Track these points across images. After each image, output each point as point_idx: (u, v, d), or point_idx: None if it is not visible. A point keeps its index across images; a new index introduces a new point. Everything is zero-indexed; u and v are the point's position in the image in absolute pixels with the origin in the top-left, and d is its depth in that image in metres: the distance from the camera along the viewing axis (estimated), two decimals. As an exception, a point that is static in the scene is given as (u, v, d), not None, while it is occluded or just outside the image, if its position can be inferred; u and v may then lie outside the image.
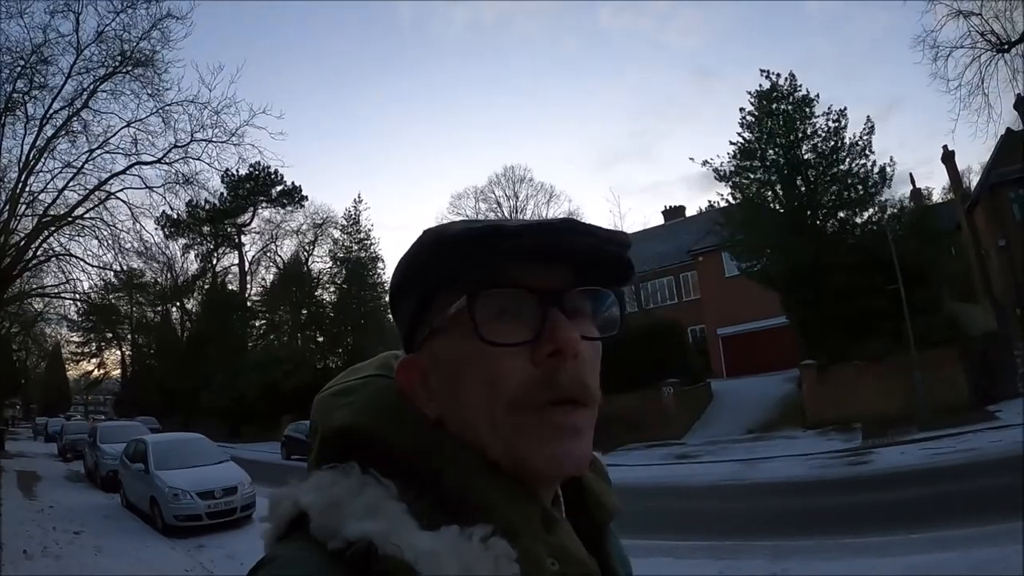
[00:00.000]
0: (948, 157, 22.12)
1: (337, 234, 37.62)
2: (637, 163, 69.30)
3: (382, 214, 79.73)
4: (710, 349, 26.55)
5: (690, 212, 33.55)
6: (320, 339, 36.36)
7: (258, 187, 38.47)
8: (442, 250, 0.51)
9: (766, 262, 17.07)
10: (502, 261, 0.50)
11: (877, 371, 14.76)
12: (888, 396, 14.41)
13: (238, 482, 10.56)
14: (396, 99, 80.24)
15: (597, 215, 39.46)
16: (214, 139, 18.10)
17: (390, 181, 78.09)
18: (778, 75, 17.55)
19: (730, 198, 18.11)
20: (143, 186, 17.96)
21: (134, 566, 7.78)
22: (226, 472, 10.92)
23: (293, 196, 40.04)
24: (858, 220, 16.20)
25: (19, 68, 14.76)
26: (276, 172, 37.67)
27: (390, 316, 0.63)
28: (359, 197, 45.98)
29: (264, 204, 39.81)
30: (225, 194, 35.64)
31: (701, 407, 19.55)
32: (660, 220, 35.48)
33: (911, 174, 47.39)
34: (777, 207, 16.87)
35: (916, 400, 13.52)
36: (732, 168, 17.74)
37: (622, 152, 71.84)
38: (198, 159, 17.97)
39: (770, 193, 17.40)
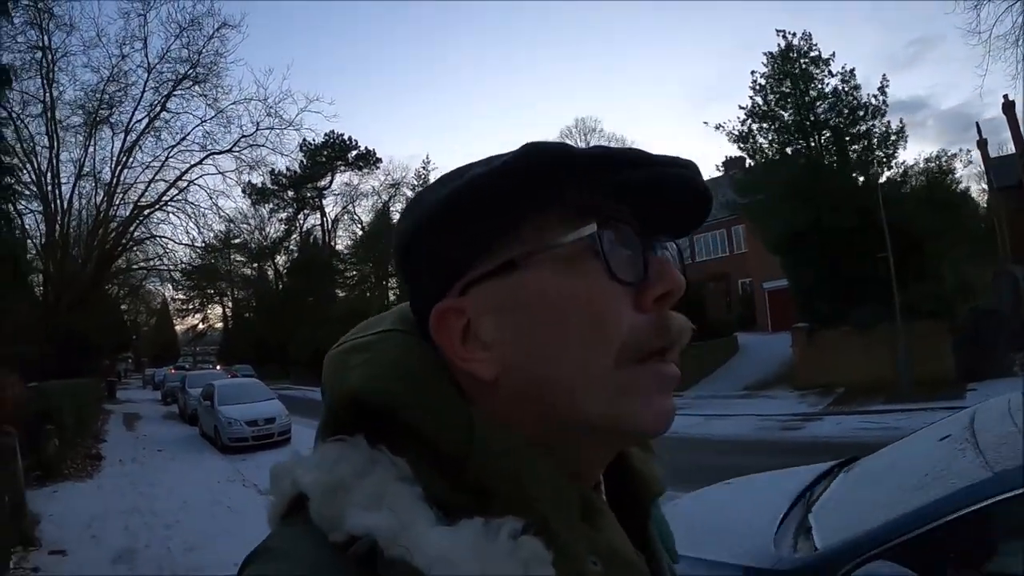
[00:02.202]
0: (1009, 107, 21.64)
1: (410, 193, 42.02)
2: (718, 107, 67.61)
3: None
4: (756, 303, 28.06)
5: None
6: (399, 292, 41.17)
7: (335, 153, 43.44)
8: (564, 169, 0.45)
9: (771, 224, 18.39)
10: (611, 192, 0.46)
11: (864, 338, 15.82)
12: (873, 364, 15.36)
13: (277, 414, 14.56)
14: (460, 58, 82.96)
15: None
16: (275, 127, 22.29)
17: (459, 141, 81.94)
18: (793, 34, 18.42)
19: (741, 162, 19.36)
20: (217, 172, 22.72)
21: (193, 470, 11.67)
22: (269, 407, 14.91)
23: (368, 159, 44.63)
24: (860, 182, 16.96)
25: (103, 86, 19.26)
26: (350, 138, 42.87)
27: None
28: (427, 158, 50.64)
29: (342, 168, 44.65)
30: (305, 161, 40.66)
31: (719, 362, 21.54)
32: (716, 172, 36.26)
33: (978, 123, 43.91)
34: (784, 170, 17.99)
35: (898, 370, 14.48)
36: (743, 131, 18.96)
37: (698, 98, 70.35)
38: (263, 146, 22.37)
39: (778, 156, 18.53)
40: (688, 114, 70.90)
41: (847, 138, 17.76)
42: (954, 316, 15.39)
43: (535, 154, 0.44)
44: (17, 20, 16.23)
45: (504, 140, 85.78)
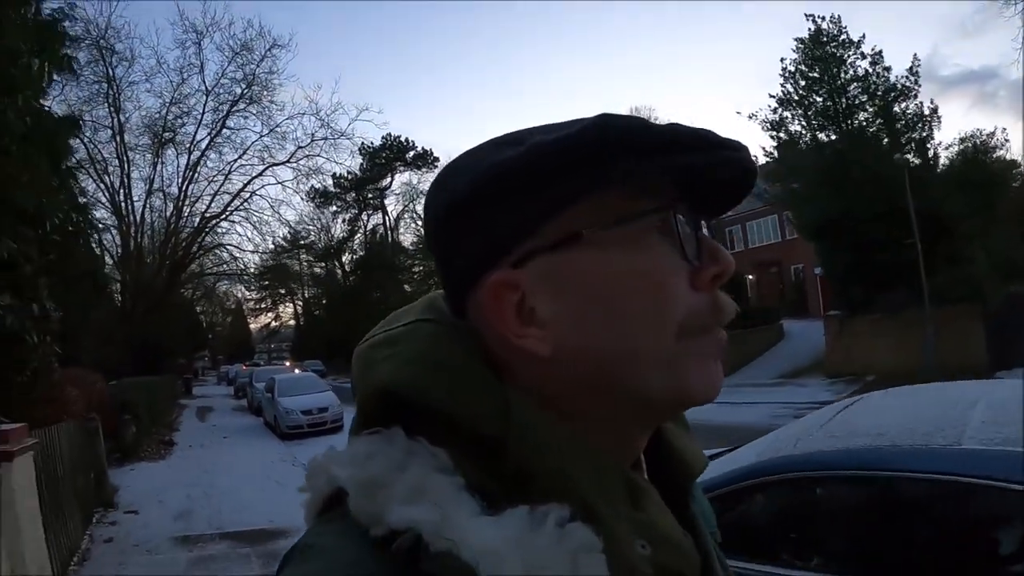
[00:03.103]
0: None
1: None
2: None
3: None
4: (807, 288, 28.23)
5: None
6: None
7: (393, 155, 45.79)
8: (639, 145, 0.44)
9: (804, 212, 18.86)
10: (677, 172, 0.46)
11: (895, 325, 16.13)
12: (903, 351, 15.60)
13: (329, 404, 16.49)
14: (509, 52, 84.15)
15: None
16: (329, 137, 24.43)
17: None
18: (823, 18, 18.80)
19: (774, 151, 19.84)
20: (277, 182, 25.33)
21: (252, 453, 13.54)
22: (323, 398, 16.92)
23: (425, 159, 46.81)
24: (890, 166, 17.20)
25: (166, 110, 21.81)
26: (407, 140, 45.33)
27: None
28: None
29: (400, 168, 47.06)
30: (364, 164, 43.30)
31: (761, 349, 22.08)
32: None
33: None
34: (816, 156, 18.40)
35: (926, 358, 14.63)
36: (775, 120, 19.46)
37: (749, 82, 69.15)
38: (318, 156, 24.90)
39: (810, 143, 18.94)
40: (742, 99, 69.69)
41: (879, 121, 18.01)
42: (987, 301, 15.45)
43: (611, 127, 0.44)
44: (81, 57, 18.89)
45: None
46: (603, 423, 0.49)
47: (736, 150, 0.48)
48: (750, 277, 30.59)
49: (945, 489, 1.98)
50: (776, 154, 19.80)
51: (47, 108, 9.12)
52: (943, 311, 14.78)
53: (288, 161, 25.64)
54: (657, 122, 0.47)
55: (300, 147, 25.79)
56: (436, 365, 0.48)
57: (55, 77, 8.74)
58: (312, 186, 35.71)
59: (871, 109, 18.07)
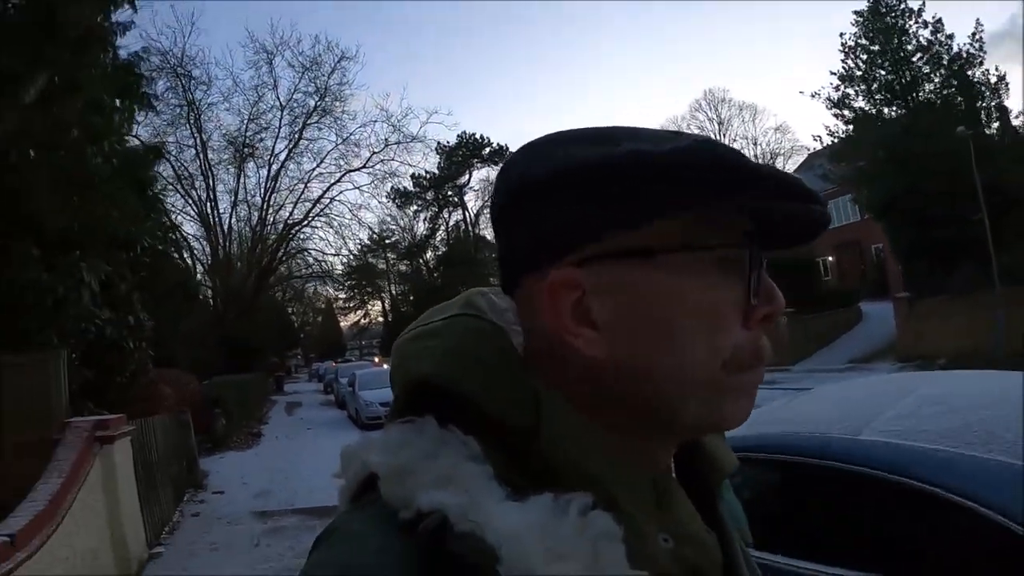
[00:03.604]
0: None
1: None
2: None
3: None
4: (888, 268, 27.44)
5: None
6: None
7: (469, 152, 47.33)
8: (741, 178, 0.45)
9: (870, 191, 18.58)
10: (762, 212, 0.49)
11: (963, 306, 15.75)
12: (973, 333, 15.22)
13: (409, 396, 17.78)
14: (573, 39, 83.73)
15: (801, 131, 40.22)
16: (401, 141, 27.15)
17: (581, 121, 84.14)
18: (882, -10, 18.45)
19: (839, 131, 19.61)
20: (354, 187, 27.40)
21: (333, 443, 14.74)
22: (401, 390, 18.17)
23: (501, 154, 48.34)
24: (955, 139, 16.74)
25: (245, 126, 23.97)
26: (482, 137, 47.18)
27: None
28: None
29: (478, 165, 48.57)
30: (441, 163, 45.30)
31: (837, 333, 21.88)
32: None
33: None
34: (881, 132, 18.10)
35: (996, 339, 14.33)
36: (838, 98, 19.23)
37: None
38: (392, 160, 26.43)
39: (876, 118, 18.63)
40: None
41: (946, 92, 17.53)
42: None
43: (715, 156, 0.45)
44: (161, 85, 21.20)
45: (622, 117, 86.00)
46: (633, 433, 0.50)
47: (822, 204, 0.50)
48: (830, 259, 29.92)
49: (827, 475, 2.05)
50: (841, 133, 19.51)
51: (134, 136, 10.75)
52: (1014, 290, 14.40)
53: (364, 167, 27.47)
54: (753, 159, 0.48)
55: (374, 153, 27.69)
56: (471, 358, 0.50)
57: (137, 113, 10.16)
58: (392, 187, 37.87)
59: (937, 80, 17.55)
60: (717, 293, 0.48)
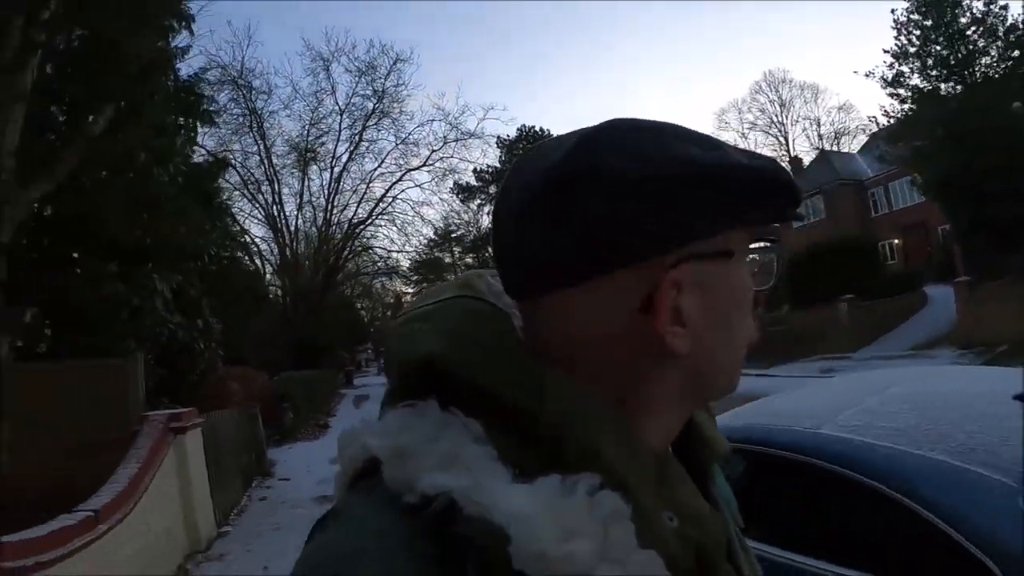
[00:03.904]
0: None
1: None
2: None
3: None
4: (955, 251, 26.31)
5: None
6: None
7: (530, 144, 47.71)
8: (788, 197, 0.52)
9: (927, 170, 17.96)
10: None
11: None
12: None
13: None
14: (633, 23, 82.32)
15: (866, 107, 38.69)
16: (460, 139, 28.16)
17: (639, 109, 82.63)
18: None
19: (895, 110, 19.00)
20: (415, 185, 28.36)
21: None
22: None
23: None
24: (1015, 112, 15.95)
25: (307, 131, 25.00)
26: (542, 129, 47.66)
27: None
28: None
29: None
30: (503, 156, 46.06)
31: (901, 319, 21.44)
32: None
33: None
34: (937, 110, 17.46)
35: None
36: (893, 76, 18.64)
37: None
38: (451, 157, 28.10)
39: (931, 96, 17.98)
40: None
41: (1002, 65, 16.75)
42: None
43: (788, 177, 0.52)
44: (223, 97, 22.44)
45: (680, 106, 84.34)
46: (661, 411, 0.52)
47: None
48: (896, 241, 28.86)
49: (789, 465, 2.15)
50: (896, 113, 18.89)
51: (200, 146, 11.53)
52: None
53: (423, 165, 28.25)
54: (817, 140, 0.64)
55: (433, 151, 28.47)
56: (474, 338, 0.50)
57: (200, 129, 10.93)
58: (454, 183, 38.71)
59: (993, 53, 16.78)
60: (750, 284, 0.54)
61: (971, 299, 16.84)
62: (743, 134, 46.10)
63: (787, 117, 45.19)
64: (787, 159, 41.68)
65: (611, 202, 0.47)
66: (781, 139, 44.41)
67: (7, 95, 5.83)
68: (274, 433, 13.70)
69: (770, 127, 44.89)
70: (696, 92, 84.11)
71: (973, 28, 17.32)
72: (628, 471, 0.47)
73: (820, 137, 43.52)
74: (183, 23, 10.34)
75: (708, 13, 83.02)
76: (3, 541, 3.71)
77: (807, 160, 38.53)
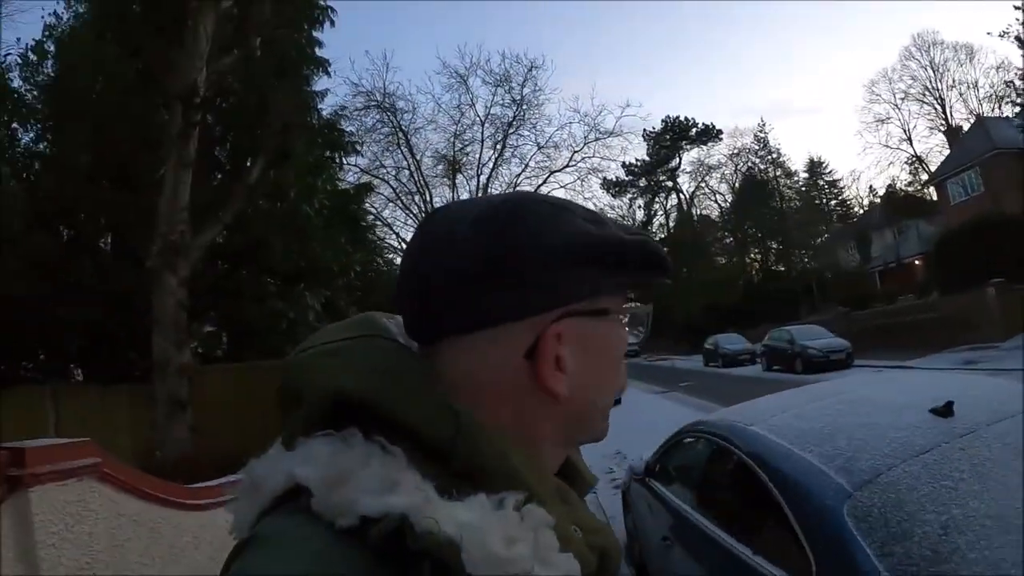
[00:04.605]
0: None
1: (756, 160, 45.56)
2: None
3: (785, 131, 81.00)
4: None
5: None
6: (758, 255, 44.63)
7: (676, 135, 47.45)
8: (657, 264, 0.60)
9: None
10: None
11: None
12: None
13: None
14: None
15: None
16: (600, 138, 29.16)
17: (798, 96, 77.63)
18: None
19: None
20: (560, 186, 29.83)
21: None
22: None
23: (709, 133, 47.93)
24: None
25: (453, 142, 27.25)
26: (687, 118, 47.33)
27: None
28: (762, 121, 52.15)
29: (687, 147, 48.49)
30: (650, 149, 46.45)
31: None
32: None
33: None
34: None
35: None
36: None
37: None
38: (592, 157, 29.23)
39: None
40: None
41: None
42: None
43: (656, 251, 0.60)
44: (369, 120, 25.27)
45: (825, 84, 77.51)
46: (547, 444, 0.58)
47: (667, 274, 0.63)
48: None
49: (720, 449, 2.70)
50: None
51: (354, 165, 13.02)
52: None
53: (566, 167, 29.38)
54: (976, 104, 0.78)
55: (575, 152, 29.46)
56: (390, 375, 0.52)
57: (344, 160, 12.62)
58: (604, 179, 39.51)
59: None
60: (623, 337, 0.62)
61: None
62: (896, 105, 42.25)
63: (942, 82, 40.81)
64: (944, 129, 37.82)
65: (508, 269, 0.53)
66: (937, 107, 40.17)
67: (178, 164, 7.48)
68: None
69: (924, 95, 40.62)
70: (842, 65, 77.93)
71: None
72: (543, 491, 0.53)
73: (980, 102, 38.88)
74: (320, 69, 12.08)
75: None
76: (189, 488, 5.14)
77: (968, 128, 34.58)
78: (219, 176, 10.72)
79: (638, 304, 0.63)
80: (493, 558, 0.44)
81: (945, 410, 2.11)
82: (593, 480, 0.69)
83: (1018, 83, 17.58)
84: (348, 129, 14.59)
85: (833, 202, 50.09)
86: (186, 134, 7.70)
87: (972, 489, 1.73)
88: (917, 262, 31.92)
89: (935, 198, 34.01)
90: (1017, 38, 17.22)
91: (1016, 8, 17.05)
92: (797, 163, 58.17)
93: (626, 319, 0.61)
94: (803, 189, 49.53)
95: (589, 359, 0.57)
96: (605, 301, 0.58)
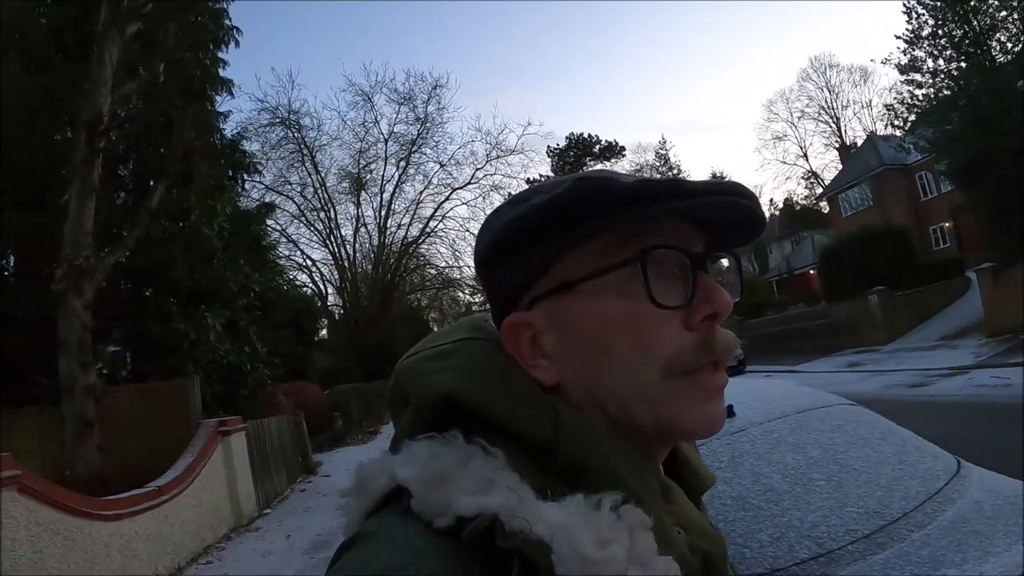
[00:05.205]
0: None
1: (657, 176, 48.42)
2: None
3: (689, 148, 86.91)
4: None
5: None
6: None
7: (580, 151, 49.51)
8: (610, 201, 0.53)
9: (953, 155, 18.17)
10: (656, 219, 0.54)
11: None
12: None
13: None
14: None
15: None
16: (501, 155, 31.20)
17: (693, 111, 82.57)
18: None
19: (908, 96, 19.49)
20: (462, 203, 30.71)
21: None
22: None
23: (612, 150, 50.23)
24: None
25: (358, 159, 27.89)
26: (590, 135, 49.43)
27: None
28: (663, 138, 54.78)
29: (590, 162, 50.71)
30: (554, 164, 48.19)
31: (941, 305, 22.00)
32: None
33: None
34: (958, 91, 17.78)
35: None
36: (907, 62, 19.15)
37: None
38: (494, 174, 29.72)
39: (953, 76, 18.34)
40: None
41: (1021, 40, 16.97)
42: None
43: (581, 188, 0.54)
44: (274, 137, 26.02)
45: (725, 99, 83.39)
46: (643, 441, 0.56)
47: (722, 194, 0.55)
48: (946, 224, 28.69)
49: None
50: (913, 99, 19.37)
51: (259, 182, 13.55)
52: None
53: (468, 184, 30.54)
54: (627, 175, 0.57)
55: (477, 169, 30.69)
56: (492, 377, 0.55)
57: (246, 180, 13.35)
58: (509, 194, 40.99)
59: (1013, 25, 16.98)
60: (635, 306, 0.54)
61: (995, 286, 16.90)
62: (793, 123, 46.16)
63: (837, 102, 44.97)
64: (838, 146, 41.48)
65: (487, 272, 0.61)
66: (832, 126, 44.16)
67: (83, 190, 8.09)
68: (328, 438, 15.99)
69: (820, 114, 44.72)
70: (743, 85, 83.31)
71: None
72: (641, 490, 0.52)
73: (873, 120, 43.05)
74: (224, 89, 12.81)
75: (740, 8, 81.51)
76: (100, 499, 5.89)
77: (859, 145, 38.29)
78: (123, 195, 11.28)
79: (621, 263, 0.54)
80: (584, 559, 0.44)
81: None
82: (711, 478, 0.68)
83: (898, 107, 19.87)
84: (251, 149, 15.36)
85: (736, 215, 53.68)
86: (90, 161, 8.20)
87: (725, 476, 1.96)
88: (812, 272, 34.86)
89: (828, 211, 37.35)
90: (897, 66, 19.47)
91: (897, 37, 19.34)
92: (702, 178, 63.07)
93: (626, 279, 0.54)
94: (706, 204, 53.00)
95: (575, 339, 0.56)
96: (570, 271, 0.56)
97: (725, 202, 0.55)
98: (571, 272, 0.55)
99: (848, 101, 45.83)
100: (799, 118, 47.09)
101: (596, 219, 0.53)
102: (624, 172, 0.62)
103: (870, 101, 45.32)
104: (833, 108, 44.06)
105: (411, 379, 0.57)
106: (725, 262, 0.62)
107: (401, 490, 0.50)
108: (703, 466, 0.67)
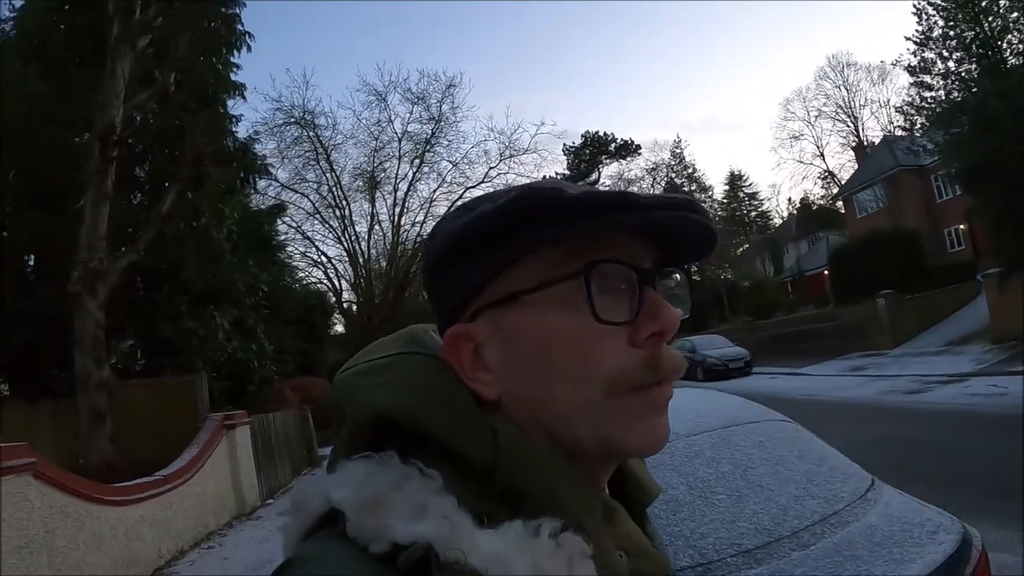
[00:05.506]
0: None
1: (673, 175, 47.90)
2: None
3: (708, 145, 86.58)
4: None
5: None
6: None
7: (596, 149, 49.71)
8: (557, 212, 0.51)
9: (962, 160, 18.18)
10: (604, 232, 0.53)
11: None
12: None
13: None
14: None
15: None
16: (515, 155, 30.78)
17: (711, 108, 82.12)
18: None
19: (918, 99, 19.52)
20: None
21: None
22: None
23: (628, 148, 50.39)
24: None
25: (373, 157, 28.37)
26: (606, 133, 49.74)
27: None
28: (678, 137, 54.60)
29: (606, 161, 50.85)
30: (569, 163, 48.53)
31: (951, 310, 22.04)
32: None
33: None
34: (967, 95, 17.80)
35: None
36: (917, 64, 19.18)
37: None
38: (507, 173, 30.71)
39: (963, 80, 18.37)
40: None
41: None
42: None
43: (527, 198, 0.52)
44: (289, 136, 26.65)
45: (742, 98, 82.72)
46: (587, 460, 0.55)
47: (672, 208, 0.53)
48: (961, 227, 28.55)
49: None
50: (923, 102, 19.41)
51: (274, 179, 14.04)
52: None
53: (481, 183, 30.93)
54: (576, 186, 0.55)
55: (491, 167, 31.06)
56: (430, 393, 0.53)
57: (257, 182, 13.88)
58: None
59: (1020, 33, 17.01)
60: (579, 321, 0.52)
61: (1001, 292, 16.86)
62: (809, 123, 45.99)
63: (855, 102, 44.73)
64: (855, 145, 41.27)
65: (433, 280, 0.59)
66: (849, 124, 43.93)
67: (97, 197, 8.62)
68: (334, 432, 16.42)
69: (837, 113, 44.51)
70: (761, 84, 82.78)
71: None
72: (582, 513, 0.51)
73: (890, 120, 42.82)
74: (236, 93, 13.30)
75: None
76: (109, 486, 6.42)
77: (875, 145, 38.08)
78: (138, 195, 11.85)
79: (566, 276, 0.52)
80: None
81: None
82: (656, 490, 0.67)
83: (907, 110, 19.91)
84: (267, 148, 15.86)
85: (753, 213, 54.09)
86: (103, 170, 8.74)
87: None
88: (825, 272, 34.83)
89: (844, 211, 37.22)
90: (907, 67, 19.51)
91: (907, 39, 19.35)
92: (720, 176, 62.36)
93: (570, 292, 0.52)
94: (724, 201, 53.09)
95: (516, 351, 0.54)
96: (513, 283, 0.54)
97: (675, 217, 0.54)
98: (517, 283, 0.54)
99: (866, 100, 45.66)
100: (816, 117, 46.77)
101: (541, 230, 0.52)
102: (582, 183, 0.64)
103: (888, 100, 44.97)
104: (851, 107, 43.91)
105: (345, 395, 0.56)
106: (677, 277, 0.61)
107: (337, 511, 0.49)
108: (649, 478, 0.67)
